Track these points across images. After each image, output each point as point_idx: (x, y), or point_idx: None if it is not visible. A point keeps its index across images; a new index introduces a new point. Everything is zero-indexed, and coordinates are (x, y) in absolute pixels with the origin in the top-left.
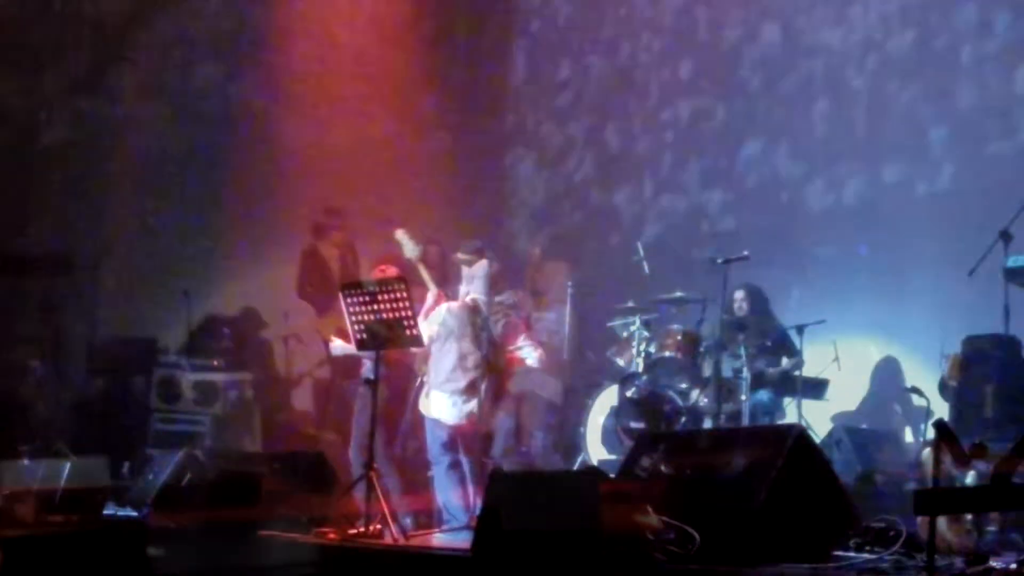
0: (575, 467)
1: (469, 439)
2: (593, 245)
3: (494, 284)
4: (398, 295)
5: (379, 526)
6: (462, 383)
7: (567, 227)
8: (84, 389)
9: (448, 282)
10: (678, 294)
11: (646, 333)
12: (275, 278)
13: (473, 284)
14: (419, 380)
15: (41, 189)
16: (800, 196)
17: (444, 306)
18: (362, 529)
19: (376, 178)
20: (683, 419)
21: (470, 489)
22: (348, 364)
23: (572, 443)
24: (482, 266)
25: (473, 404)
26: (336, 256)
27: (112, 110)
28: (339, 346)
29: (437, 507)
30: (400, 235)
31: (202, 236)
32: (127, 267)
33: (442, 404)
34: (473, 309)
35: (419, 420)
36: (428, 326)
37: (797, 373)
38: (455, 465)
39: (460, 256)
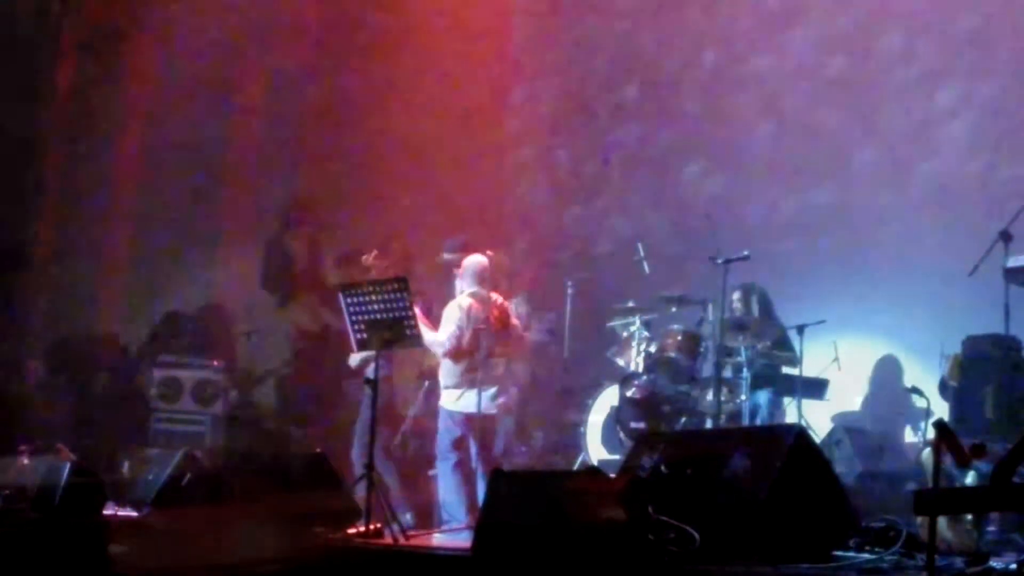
0: (575, 467)
1: (485, 435)
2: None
3: (489, 278)
4: (398, 295)
5: (379, 526)
6: (493, 374)
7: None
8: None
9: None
10: (678, 294)
11: (646, 333)
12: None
13: (464, 280)
14: (425, 379)
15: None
16: (801, 196)
17: (456, 304)
18: (362, 529)
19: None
20: (683, 419)
21: (473, 487)
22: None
23: (572, 443)
24: (469, 262)
25: (505, 395)
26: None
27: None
28: (356, 358)
29: (438, 507)
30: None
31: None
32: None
33: (475, 397)
34: (486, 303)
35: (423, 419)
36: (446, 326)
37: (797, 373)
38: (461, 464)
39: (445, 257)
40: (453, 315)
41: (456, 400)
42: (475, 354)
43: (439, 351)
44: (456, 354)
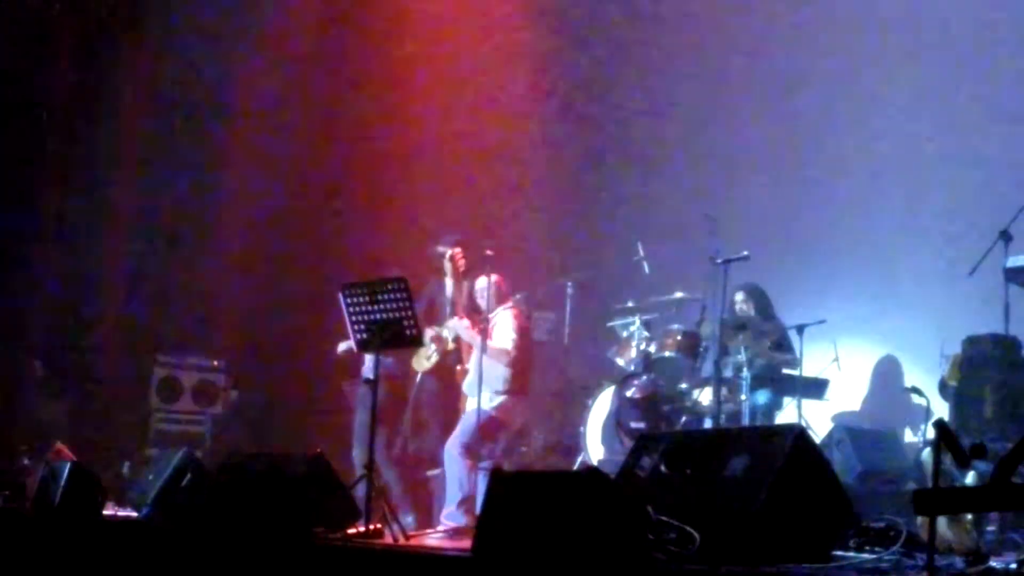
0: (575, 467)
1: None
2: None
3: (499, 292)
4: (398, 295)
5: (379, 526)
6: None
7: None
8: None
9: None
10: (678, 294)
11: (646, 333)
12: (272, 273)
13: (489, 301)
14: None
15: (40, 188)
16: (802, 196)
17: (511, 315)
18: (362, 529)
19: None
20: (683, 419)
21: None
22: (348, 362)
23: (572, 443)
24: (485, 283)
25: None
26: None
27: (108, 102)
28: (345, 345)
29: (438, 506)
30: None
31: (200, 229)
32: (120, 263)
33: (516, 405)
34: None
35: (423, 420)
36: (508, 334)
37: (797, 373)
38: (471, 464)
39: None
40: (512, 325)
41: (498, 404)
42: (530, 365)
43: (504, 360)
44: (516, 363)
